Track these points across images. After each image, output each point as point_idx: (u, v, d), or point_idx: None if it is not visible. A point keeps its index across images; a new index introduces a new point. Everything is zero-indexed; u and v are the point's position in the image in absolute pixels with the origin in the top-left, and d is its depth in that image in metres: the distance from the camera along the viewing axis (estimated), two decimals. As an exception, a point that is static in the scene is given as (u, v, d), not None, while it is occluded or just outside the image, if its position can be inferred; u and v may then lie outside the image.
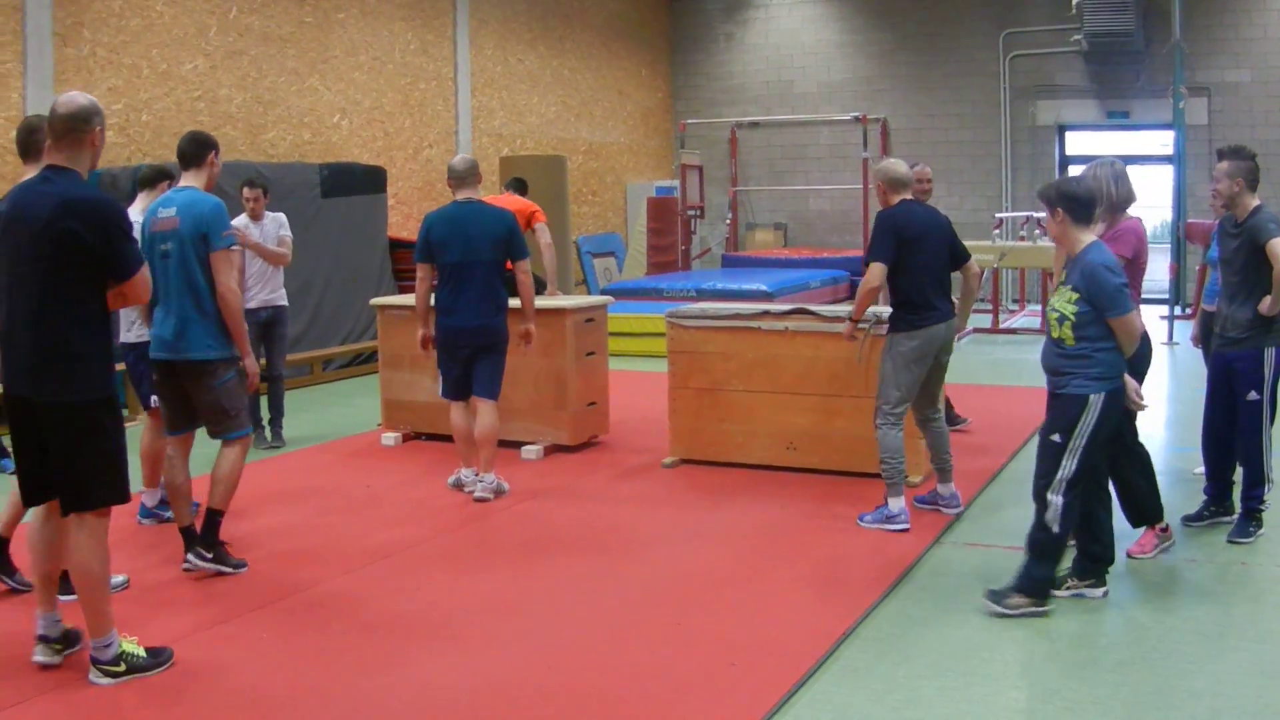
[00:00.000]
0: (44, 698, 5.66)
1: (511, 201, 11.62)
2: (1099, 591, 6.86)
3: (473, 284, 9.06)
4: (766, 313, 9.94)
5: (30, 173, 6.17)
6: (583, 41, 24.18)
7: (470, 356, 9.17)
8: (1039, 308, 20.87)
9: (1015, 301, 23.35)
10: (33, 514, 6.11)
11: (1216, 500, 8.27)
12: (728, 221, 26.38)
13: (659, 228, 24.14)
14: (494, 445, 9.26)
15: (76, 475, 5.72)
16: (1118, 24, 21.89)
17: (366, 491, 9.59)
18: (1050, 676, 5.85)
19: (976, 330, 18.69)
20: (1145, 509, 7.60)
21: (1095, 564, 6.92)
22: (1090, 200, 6.76)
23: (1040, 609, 6.60)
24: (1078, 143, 24.25)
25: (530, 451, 10.33)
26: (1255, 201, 7.72)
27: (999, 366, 15.82)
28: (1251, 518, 7.94)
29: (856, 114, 24.73)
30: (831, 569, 7.46)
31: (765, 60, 26.22)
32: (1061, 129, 24.17)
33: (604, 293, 19.51)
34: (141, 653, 5.93)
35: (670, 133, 27.05)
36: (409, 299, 11.51)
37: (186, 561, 7.43)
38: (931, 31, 24.71)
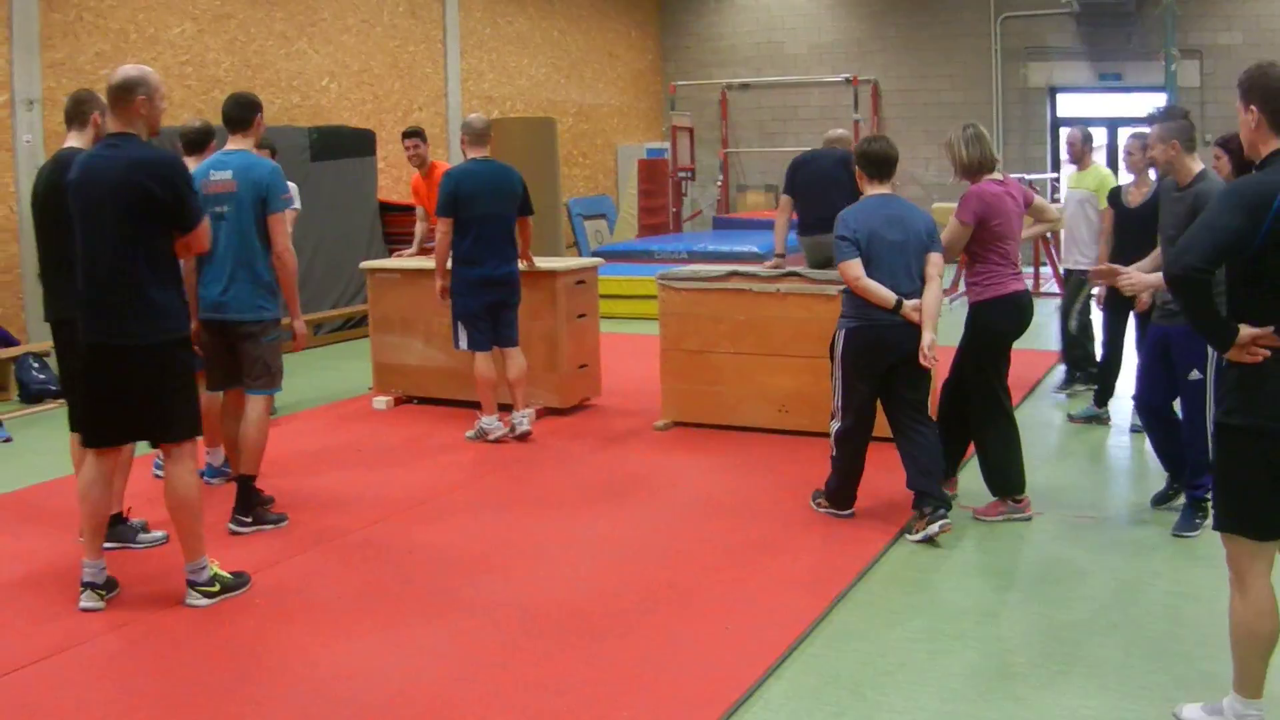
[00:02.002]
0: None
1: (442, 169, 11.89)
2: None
3: (497, 236, 9.62)
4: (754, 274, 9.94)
5: (73, 140, 6.98)
6: (572, 3, 24.08)
7: (495, 305, 9.70)
8: (1031, 270, 20.87)
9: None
10: (86, 467, 6.40)
11: (1177, 476, 7.76)
12: (718, 183, 26.34)
13: (650, 190, 24.08)
14: (525, 383, 9.99)
15: (163, 411, 6.25)
16: (1110, -15, 21.81)
17: (363, 453, 9.65)
18: (1044, 639, 5.85)
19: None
20: (1005, 480, 7.70)
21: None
22: (879, 159, 7.65)
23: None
24: (1069, 105, 24.19)
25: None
26: (1198, 165, 7.15)
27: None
28: (1198, 508, 7.35)
29: (847, 75, 24.68)
30: (824, 531, 7.47)
31: (755, 21, 26.13)
32: (1053, 91, 24.10)
33: (594, 255, 19.46)
34: (227, 575, 6.51)
35: (660, 94, 26.99)
36: (399, 262, 11.57)
37: (231, 526, 7.67)
38: (922, -8, 24.62)
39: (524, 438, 9.83)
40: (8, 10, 12.94)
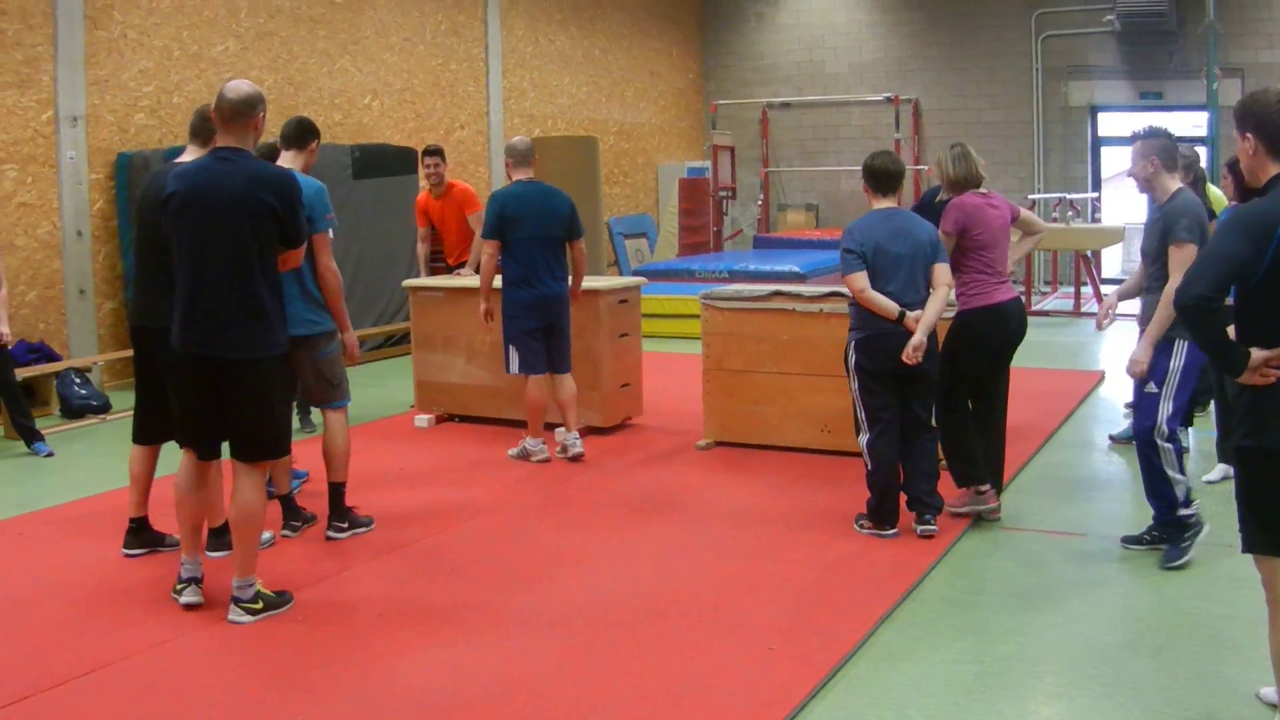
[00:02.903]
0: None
1: (460, 188, 12.28)
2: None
3: (545, 257, 9.63)
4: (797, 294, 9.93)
5: (192, 154, 7.07)
6: (614, 21, 24.13)
7: (546, 328, 9.71)
8: (1071, 289, 20.80)
9: (1047, 283, 23.27)
10: (181, 470, 6.60)
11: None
12: (759, 202, 26.32)
13: (691, 208, 24.05)
14: (576, 405, 10.05)
15: (256, 427, 6.38)
16: (1151, 4, 21.65)
17: (406, 471, 9.63)
18: (1088, 661, 5.81)
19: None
20: (964, 467, 7.91)
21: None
22: (881, 174, 7.74)
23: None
24: (1110, 123, 24.10)
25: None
26: (1175, 185, 7.18)
27: (1030, 349, 15.71)
28: (1183, 527, 7.19)
29: (888, 94, 24.65)
30: (868, 552, 7.44)
31: (796, 40, 26.13)
32: (1094, 110, 24.01)
33: (635, 274, 19.49)
34: (270, 593, 6.56)
35: (701, 113, 27.00)
36: (440, 281, 11.59)
37: (329, 534, 7.90)
38: (963, 11, 24.54)
39: (577, 459, 9.82)
40: (53, 29, 13.03)
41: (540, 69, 21.94)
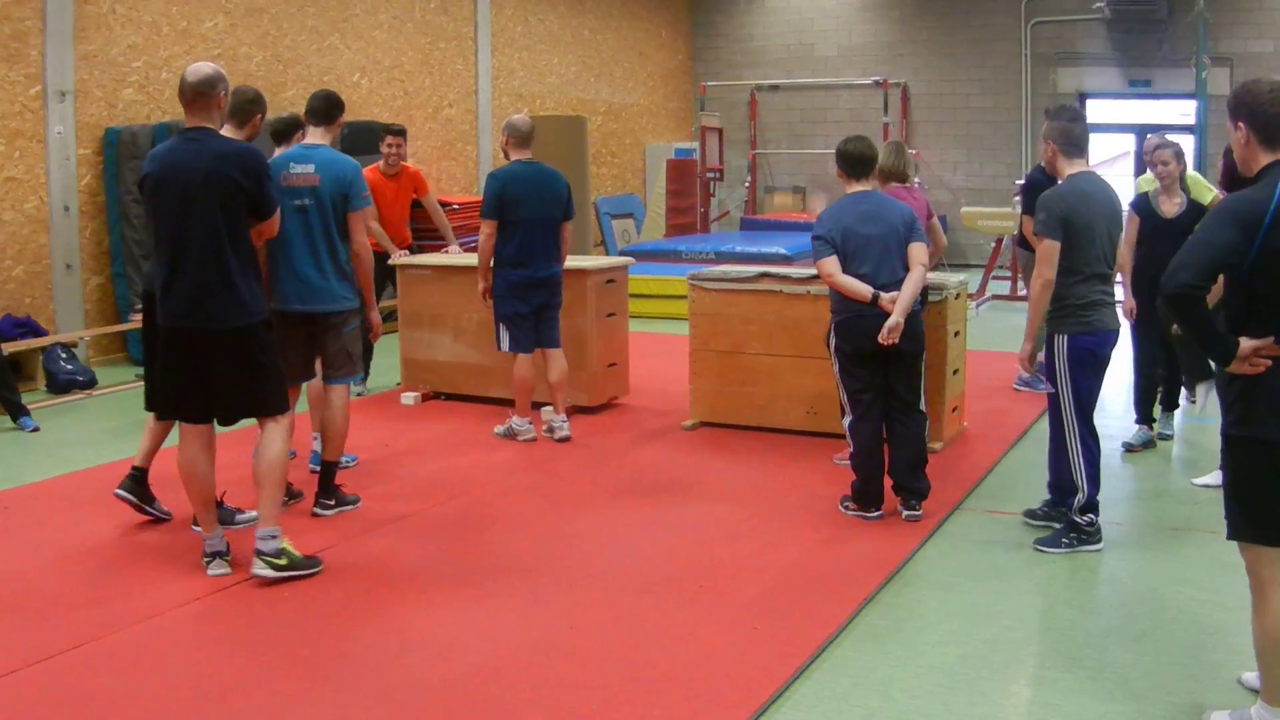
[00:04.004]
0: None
1: (411, 172, 12.33)
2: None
3: (544, 238, 9.64)
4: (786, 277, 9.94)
5: (231, 132, 7.16)
6: (603, 2, 24.07)
7: (540, 307, 9.72)
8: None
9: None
10: (182, 445, 6.73)
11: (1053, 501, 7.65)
12: (746, 184, 26.30)
13: (678, 190, 24.08)
14: (566, 386, 10.09)
15: (254, 388, 6.62)
16: (1141, -9, 21.72)
17: (392, 447, 9.62)
18: (1073, 645, 5.84)
19: (995, 297, 18.62)
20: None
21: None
22: (855, 159, 7.80)
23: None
24: (1099, 110, 24.10)
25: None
26: (1072, 170, 7.10)
27: (1018, 334, 15.75)
28: (1071, 529, 7.20)
29: (877, 78, 24.60)
30: (853, 534, 7.47)
31: (786, 23, 26.11)
32: (1083, 96, 23.98)
33: (622, 254, 19.47)
34: (298, 554, 6.71)
35: (690, 94, 26.96)
36: (428, 258, 11.59)
37: (315, 510, 7.97)
38: (953, -4, 24.58)
39: (564, 441, 9.83)
40: (41, 3, 12.97)
41: (529, 48, 21.90)
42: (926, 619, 6.17)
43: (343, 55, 17.49)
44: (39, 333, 12.65)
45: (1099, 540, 7.17)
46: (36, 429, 10.39)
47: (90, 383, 12.19)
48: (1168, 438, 9.71)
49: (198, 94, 6.46)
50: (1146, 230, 9.07)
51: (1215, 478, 8.09)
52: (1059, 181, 7.19)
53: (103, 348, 13.51)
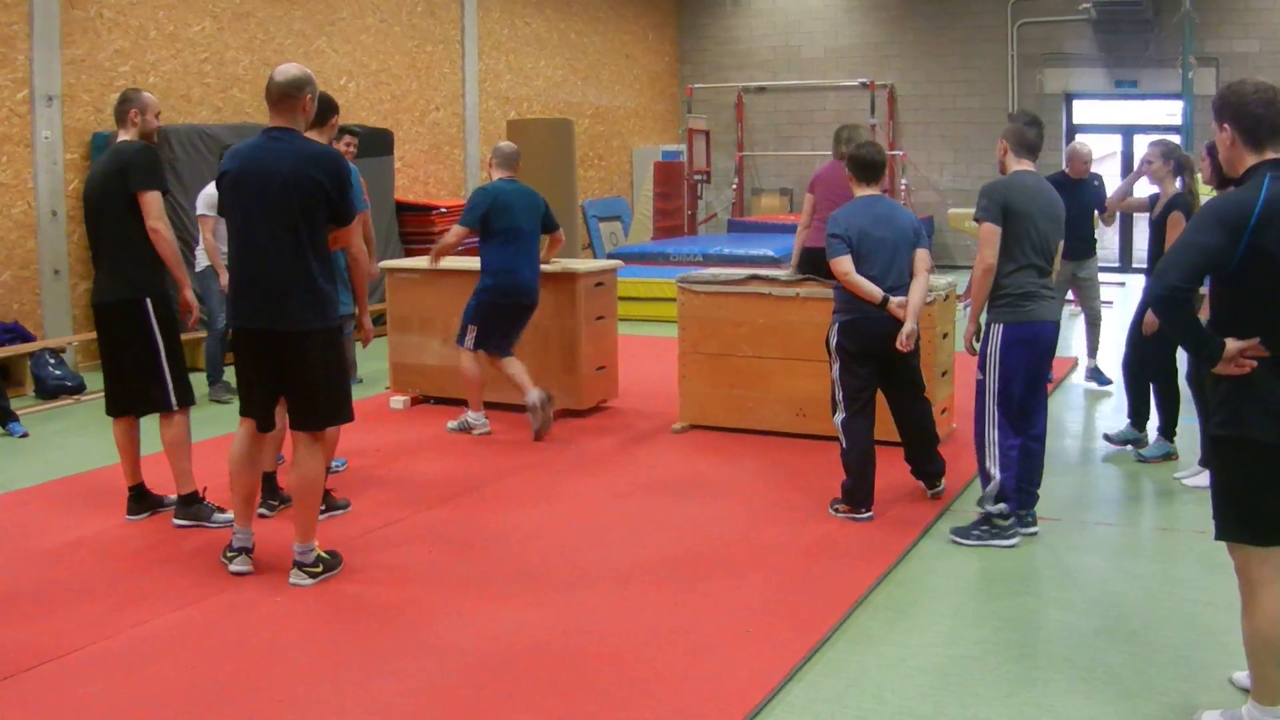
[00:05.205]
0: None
1: None
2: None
3: (528, 249, 10.02)
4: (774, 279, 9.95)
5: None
6: (590, 4, 24.10)
7: (518, 315, 10.11)
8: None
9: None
10: (238, 442, 6.80)
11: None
12: (734, 186, 26.34)
13: (665, 192, 24.09)
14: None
15: (316, 397, 6.60)
16: (1127, -8, 21.77)
17: (382, 451, 9.60)
18: (1064, 646, 5.85)
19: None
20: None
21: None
22: (868, 164, 7.96)
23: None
24: (1085, 111, 24.18)
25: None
26: (1018, 166, 7.31)
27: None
28: (983, 520, 7.33)
29: (864, 80, 24.63)
30: (844, 536, 7.47)
31: (772, 25, 26.15)
32: (1069, 97, 24.07)
33: (610, 257, 19.48)
34: (327, 555, 6.79)
35: (677, 97, 27.00)
36: (418, 262, 11.59)
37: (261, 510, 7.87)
38: (939, -3, 24.61)
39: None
40: (28, 7, 12.94)
41: (516, 51, 21.90)
42: (918, 620, 6.18)
43: (330, 59, 17.48)
44: (27, 338, 12.63)
45: (1012, 536, 7.26)
46: (25, 434, 10.37)
47: (79, 388, 12.16)
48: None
49: (284, 95, 6.49)
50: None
51: (1204, 478, 8.10)
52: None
53: (91, 353, 13.47)
